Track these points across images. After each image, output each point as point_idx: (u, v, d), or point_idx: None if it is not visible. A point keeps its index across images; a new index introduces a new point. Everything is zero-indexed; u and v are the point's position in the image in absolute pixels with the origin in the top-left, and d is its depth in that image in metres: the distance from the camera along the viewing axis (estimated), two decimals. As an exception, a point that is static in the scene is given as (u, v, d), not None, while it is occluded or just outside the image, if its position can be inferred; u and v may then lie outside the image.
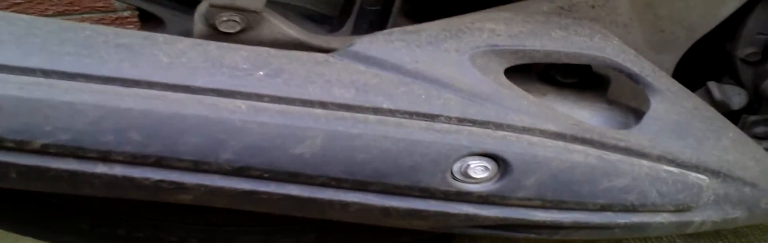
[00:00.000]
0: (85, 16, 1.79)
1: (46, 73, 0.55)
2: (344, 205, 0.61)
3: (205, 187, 0.59)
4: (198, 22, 0.70)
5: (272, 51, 0.62)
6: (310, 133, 0.58)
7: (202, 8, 0.69)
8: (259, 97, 0.58)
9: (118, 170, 0.58)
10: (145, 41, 0.59)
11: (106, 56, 0.57)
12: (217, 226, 1.05)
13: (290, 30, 0.71)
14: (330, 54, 0.64)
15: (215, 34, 0.70)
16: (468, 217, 0.62)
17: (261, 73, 0.59)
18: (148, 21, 0.95)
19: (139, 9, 1.03)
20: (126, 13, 1.74)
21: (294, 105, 0.59)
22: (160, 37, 0.60)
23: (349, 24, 0.84)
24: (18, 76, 0.55)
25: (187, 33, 0.70)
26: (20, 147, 0.55)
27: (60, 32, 0.58)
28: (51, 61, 0.56)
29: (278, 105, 0.58)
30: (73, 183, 0.59)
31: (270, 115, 0.58)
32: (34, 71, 0.55)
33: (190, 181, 0.59)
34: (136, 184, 0.59)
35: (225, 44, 0.62)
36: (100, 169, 0.58)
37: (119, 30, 0.61)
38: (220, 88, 0.58)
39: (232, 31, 0.70)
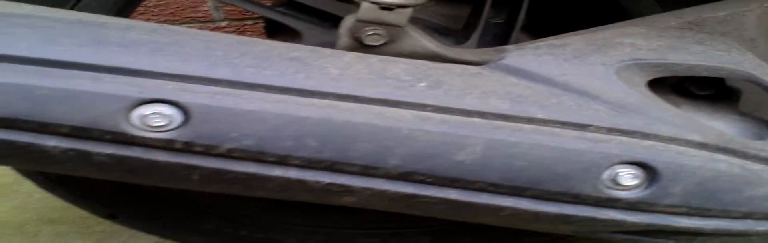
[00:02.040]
0: (184, 26, 1.86)
1: (232, 84, 0.60)
2: (498, 210, 0.65)
3: (371, 190, 0.63)
4: (343, 35, 0.74)
5: (428, 63, 0.66)
6: (471, 141, 0.61)
7: (348, 22, 0.73)
8: (423, 107, 0.62)
9: (293, 173, 0.62)
10: (314, 54, 0.64)
11: (282, 68, 0.62)
12: (335, 228, 1.09)
13: (429, 43, 0.75)
14: (481, 66, 0.67)
15: (359, 46, 0.74)
16: (615, 223, 0.65)
17: (422, 84, 0.63)
18: (279, 33, 1.00)
19: (266, 21, 1.09)
20: (223, 23, 1.81)
21: (455, 114, 0.62)
22: (326, 50, 0.65)
23: (475, 37, 0.87)
24: (206, 86, 0.60)
25: (324, 45, 0.74)
26: (207, 151, 0.60)
27: (238, 46, 0.63)
28: (234, 73, 0.61)
29: (440, 114, 0.62)
30: (248, 185, 0.64)
31: (433, 123, 0.62)
32: (220, 82, 0.60)
33: (357, 184, 0.63)
34: (307, 186, 0.63)
35: (384, 57, 0.66)
36: (277, 172, 0.62)
37: (289, 44, 0.65)
38: (386, 99, 0.62)
39: (376, 44, 0.74)
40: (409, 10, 0.72)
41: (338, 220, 1.10)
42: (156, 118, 0.58)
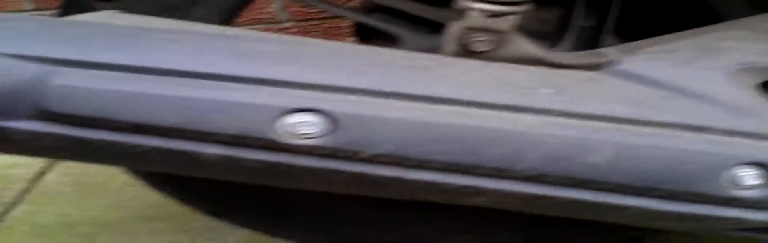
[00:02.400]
0: (250, 27, 1.91)
1: (371, 93, 0.64)
2: (623, 209, 0.68)
3: (501, 191, 0.67)
4: (450, 41, 0.78)
5: (545, 70, 0.70)
6: (600, 144, 0.65)
7: (455, 29, 0.77)
8: (550, 112, 0.66)
9: (430, 176, 0.66)
10: (439, 63, 0.68)
11: (414, 77, 0.66)
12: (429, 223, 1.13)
13: (533, 48, 0.78)
14: (598, 72, 0.71)
15: (465, 52, 0.78)
16: (737, 221, 0.68)
17: (546, 90, 0.67)
18: (374, 38, 1.03)
19: (357, 26, 1.12)
20: (288, 25, 1.85)
21: (580, 119, 0.66)
22: (448, 58, 0.69)
23: (568, 40, 0.90)
24: (348, 95, 0.64)
25: (423, 50, 0.77)
26: (351, 156, 0.64)
27: (369, 56, 0.67)
28: (372, 82, 0.65)
29: (567, 119, 0.66)
30: (386, 188, 0.68)
31: (562, 128, 0.65)
32: (360, 91, 0.64)
33: (489, 186, 0.67)
34: (442, 188, 0.67)
35: (504, 64, 0.70)
36: (415, 175, 0.66)
37: (412, 53, 0.69)
38: (515, 105, 0.65)
39: (483, 50, 0.77)
40: (515, 17, 0.75)
41: (439, 218, 1.13)
42: (304, 126, 0.62)
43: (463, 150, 0.64)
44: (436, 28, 0.89)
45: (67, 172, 1.68)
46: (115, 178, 1.64)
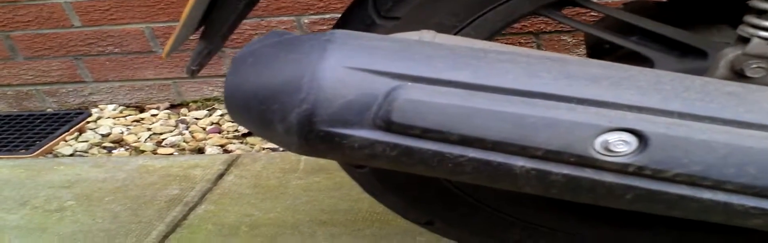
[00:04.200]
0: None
1: (683, 115, 0.68)
2: None
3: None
4: (722, 67, 0.81)
5: None
6: None
7: (730, 55, 0.80)
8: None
9: (722, 197, 0.70)
10: (745, 89, 0.71)
11: (724, 102, 0.69)
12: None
13: (800, 76, 0.81)
14: None
15: (735, 77, 0.81)
16: None
17: None
18: (605, 55, 1.07)
19: (590, 45, 1.16)
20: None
21: None
22: (753, 86, 0.72)
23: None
24: (661, 117, 0.68)
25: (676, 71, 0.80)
26: (654, 175, 0.68)
27: (682, 81, 0.71)
28: (685, 106, 0.68)
29: None
30: (671, 205, 0.71)
31: None
32: (673, 113, 0.68)
33: (778, 208, 0.69)
34: (728, 209, 0.70)
35: None
36: (707, 195, 0.69)
37: (718, 79, 0.72)
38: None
39: (757, 76, 0.80)
40: (794, 47, 0.78)
41: (634, 235, 1.16)
42: (618, 145, 0.66)
43: (765, 173, 0.67)
44: (687, 51, 0.92)
45: (244, 174, 1.76)
46: (290, 182, 1.70)
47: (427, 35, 0.76)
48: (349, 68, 0.66)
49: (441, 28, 0.90)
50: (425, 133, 0.66)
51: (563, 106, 0.67)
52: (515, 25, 2.05)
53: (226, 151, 1.97)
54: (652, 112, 0.68)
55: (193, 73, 0.98)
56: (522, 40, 2.04)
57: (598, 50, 1.15)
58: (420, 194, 1.10)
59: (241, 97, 0.70)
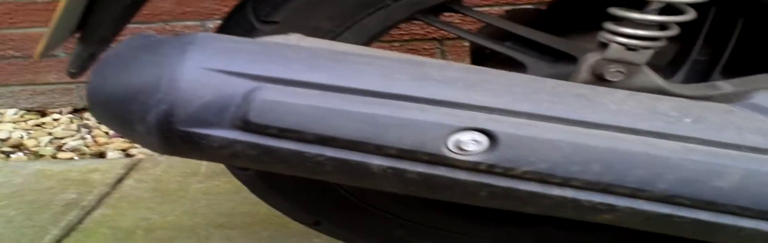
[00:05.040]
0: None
1: (531, 116, 0.71)
2: (738, 230, 0.75)
3: (632, 210, 0.74)
4: (584, 71, 0.85)
5: (686, 101, 0.77)
6: (729, 170, 0.72)
7: (591, 60, 0.84)
8: (689, 140, 0.73)
9: (570, 193, 0.73)
10: (593, 91, 0.75)
11: (571, 103, 0.73)
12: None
13: (659, 80, 0.85)
14: (731, 104, 0.78)
15: (596, 81, 0.85)
16: None
17: (687, 119, 0.74)
18: (487, 61, 1.11)
19: (473, 50, 1.20)
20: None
21: (716, 147, 0.73)
22: (600, 88, 0.76)
23: (682, 73, 0.97)
24: (511, 117, 0.71)
25: (547, 77, 0.84)
26: (505, 172, 0.71)
27: (532, 83, 0.74)
28: (533, 107, 0.72)
29: (704, 146, 0.73)
30: (525, 202, 0.75)
31: (699, 154, 0.72)
32: (522, 114, 0.71)
33: (622, 204, 0.74)
34: (577, 205, 0.74)
35: (649, 95, 0.77)
36: (556, 191, 0.73)
37: (569, 82, 0.76)
38: (660, 132, 0.72)
39: (615, 79, 0.85)
40: (650, 51, 0.82)
41: (517, 234, 1.20)
42: (470, 144, 0.70)
43: (608, 170, 0.71)
44: (559, 57, 0.96)
45: (144, 178, 1.75)
46: (190, 186, 1.71)
47: (293, 38, 0.78)
48: (208, 69, 0.68)
49: (318, 33, 0.92)
50: (283, 133, 0.68)
51: (416, 106, 0.69)
52: (419, 32, 2.09)
53: (128, 156, 1.96)
54: (502, 113, 0.71)
55: (73, 76, 0.98)
56: (426, 46, 2.08)
57: (480, 56, 1.19)
58: (306, 195, 1.12)
59: (102, 98, 0.71)
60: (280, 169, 0.75)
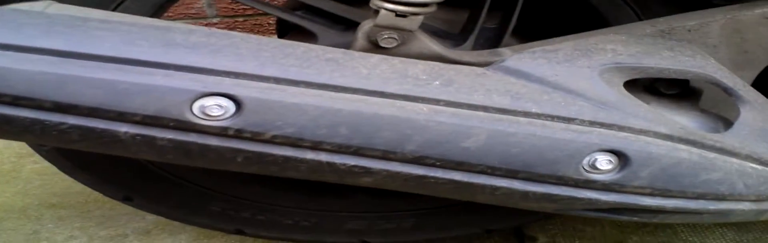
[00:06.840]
0: (177, 22, 1.96)
1: (278, 80, 0.72)
2: (494, 189, 0.77)
3: (387, 172, 0.75)
4: (360, 38, 0.86)
5: (441, 65, 0.78)
6: (476, 131, 0.74)
7: (365, 27, 0.85)
8: (437, 102, 0.74)
9: (324, 157, 0.74)
10: (346, 56, 0.75)
11: (320, 68, 0.73)
12: (329, 211, 1.21)
13: (435, 46, 0.87)
14: (486, 68, 0.80)
15: (373, 48, 0.86)
16: (590, 202, 0.78)
17: (437, 82, 0.75)
18: (291, 33, 1.11)
19: (278, 22, 1.20)
20: (215, 20, 1.91)
21: (463, 108, 0.74)
22: (355, 53, 0.77)
23: (471, 40, 0.99)
24: (257, 82, 0.71)
25: (337, 45, 0.85)
26: (254, 137, 0.72)
27: (282, 48, 0.74)
28: (281, 71, 0.72)
29: (451, 108, 0.74)
30: (283, 166, 0.75)
31: (446, 116, 0.74)
32: (269, 78, 0.71)
33: (376, 166, 0.75)
34: (334, 168, 0.75)
35: (404, 59, 0.78)
36: (310, 155, 0.74)
37: (324, 47, 0.77)
38: (407, 94, 0.74)
39: (389, 46, 0.86)
40: (420, 17, 0.83)
41: (331, 203, 1.21)
42: (214, 109, 0.69)
43: (356, 133, 0.72)
44: (351, 25, 0.97)
45: (-25, 159, 1.70)
46: (24, 166, 1.67)
47: (40, 5, 0.76)
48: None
49: (102, 3, 0.90)
50: (18, 101, 0.67)
51: (159, 72, 0.69)
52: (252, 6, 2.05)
53: (-37, 137, 1.89)
54: (248, 78, 0.71)
55: None
56: (271, 21, 2.04)
57: (284, 27, 1.18)
58: (112, 170, 1.11)
59: None
60: (29, 140, 0.73)
